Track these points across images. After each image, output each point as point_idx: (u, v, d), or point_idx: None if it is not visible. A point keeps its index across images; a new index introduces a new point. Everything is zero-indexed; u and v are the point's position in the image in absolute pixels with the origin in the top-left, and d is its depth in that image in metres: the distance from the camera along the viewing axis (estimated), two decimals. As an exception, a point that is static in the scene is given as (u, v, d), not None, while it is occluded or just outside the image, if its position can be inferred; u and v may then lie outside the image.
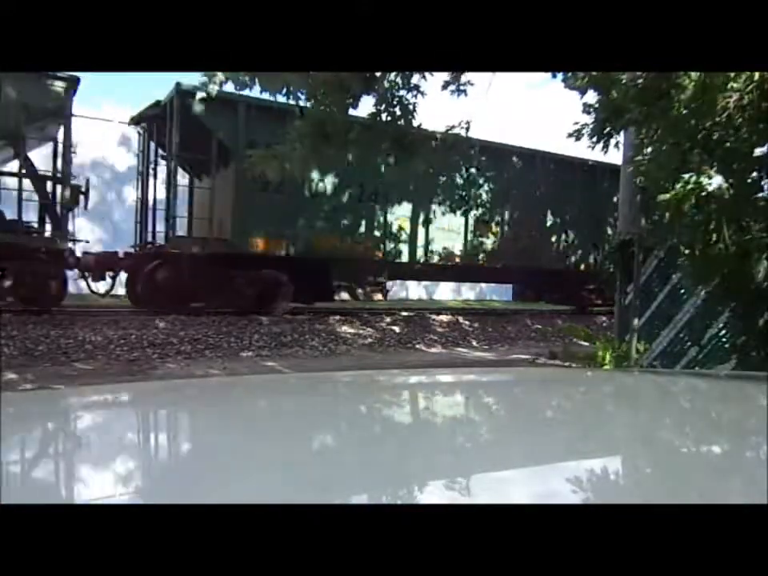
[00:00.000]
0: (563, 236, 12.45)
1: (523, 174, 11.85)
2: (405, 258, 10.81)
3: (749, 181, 3.87)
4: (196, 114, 8.89)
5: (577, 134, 4.56)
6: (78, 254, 9.23)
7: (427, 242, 10.98)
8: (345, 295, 10.62)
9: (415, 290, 20.25)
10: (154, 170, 10.45)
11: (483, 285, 18.70)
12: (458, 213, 11.18)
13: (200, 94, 8.44)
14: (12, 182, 8.55)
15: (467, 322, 10.54)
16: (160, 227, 10.02)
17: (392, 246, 10.65)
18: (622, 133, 4.89)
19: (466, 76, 5.24)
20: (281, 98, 5.48)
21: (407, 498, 0.56)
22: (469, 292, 19.95)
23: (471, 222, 11.37)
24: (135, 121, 10.46)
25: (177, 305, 8.86)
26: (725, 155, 3.73)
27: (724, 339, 4.83)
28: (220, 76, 4.64)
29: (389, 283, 11.86)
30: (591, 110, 4.56)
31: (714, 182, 3.82)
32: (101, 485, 0.58)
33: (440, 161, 9.61)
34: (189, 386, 1.49)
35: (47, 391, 2.71)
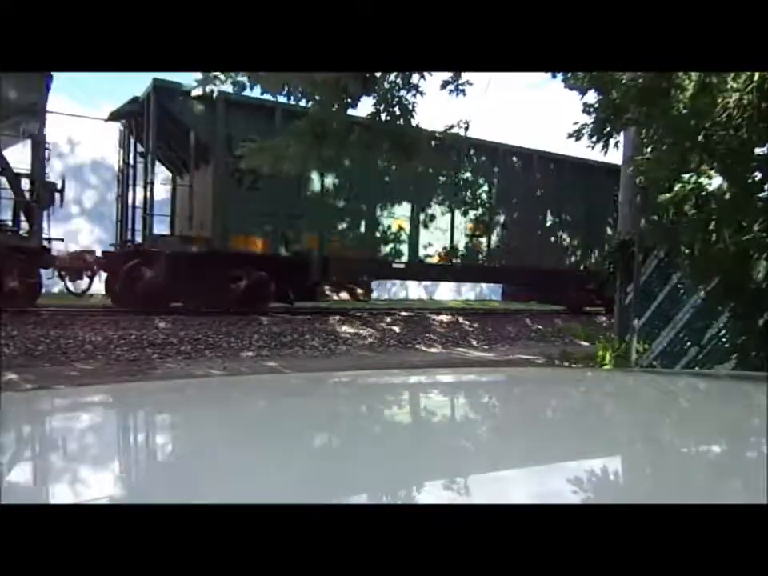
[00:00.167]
0: (555, 236, 12.36)
1: (514, 173, 11.74)
2: (390, 257, 10.67)
3: (749, 181, 3.87)
4: (172, 110, 8.79)
5: (577, 134, 4.56)
6: (55, 253, 9.05)
7: (414, 241, 10.84)
8: (328, 295, 10.49)
9: (415, 290, 20.26)
10: (134, 167, 10.23)
11: (481, 285, 18.67)
12: (446, 212, 11.06)
13: (176, 90, 8.38)
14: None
15: (467, 322, 10.54)
16: (140, 226, 9.81)
17: (377, 245, 10.50)
18: (621, 133, 4.89)
19: (465, 76, 5.23)
20: (279, 98, 5.45)
21: (407, 497, 0.56)
22: (469, 292, 19.95)
23: (459, 221, 11.23)
24: (114, 117, 10.27)
25: (155, 304, 8.73)
26: (725, 155, 3.73)
27: (724, 339, 4.84)
28: (220, 77, 4.62)
29: (373, 282, 11.77)
30: (591, 109, 4.56)
31: (714, 182, 3.83)
32: (101, 485, 0.58)
33: (438, 161, 9.61)
34: (189, 385, 1.49)
35: (47, 391, 2.72)
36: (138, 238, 9.79)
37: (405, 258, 10.83)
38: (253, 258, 9.32)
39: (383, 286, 20.33)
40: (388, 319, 10.18)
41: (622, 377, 1.64)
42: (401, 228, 10.75)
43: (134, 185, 9.99)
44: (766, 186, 4.01)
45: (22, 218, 8.56)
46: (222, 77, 4.63)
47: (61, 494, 0.57)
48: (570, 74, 4.63)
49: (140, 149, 9.90)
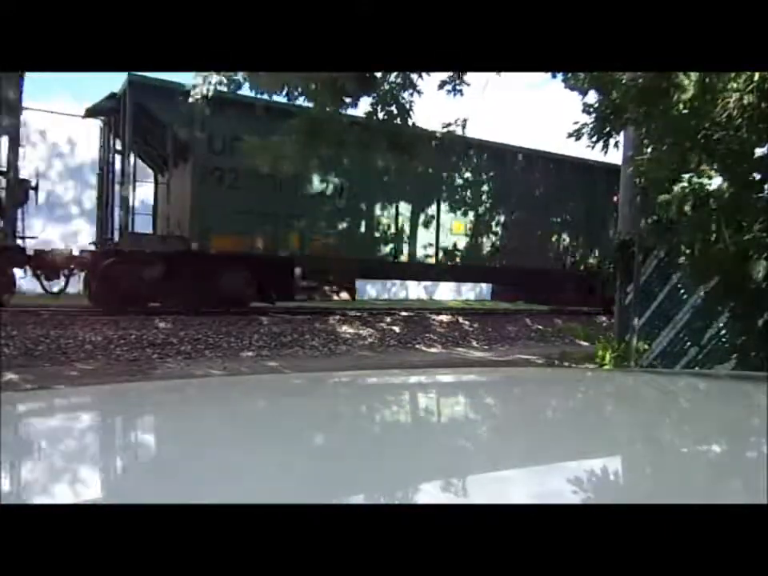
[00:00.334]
0: (547, 236, 12.21)
1: (505, 172, 11.58)
2: (374, 256, 10.48)
3: (749, 181, 3.87)
4: (149, 107, 8.64)
5: (577, 134, 4.56)
6: (30, 252, 8.90)
7: (400, 240, 10.67)
8: (310, 294, 10.36)
9: (415, 289, 20.26)
10: (113, 165, 10.05)
11: (481, 285, 18.56)
12: (433, 211, 10.90)
13: (153, 85, 8.26)
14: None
15: (467, 322, 10.53)
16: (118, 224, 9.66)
17: (362, 244, 10.31)
18: (621, 133, 4.89)
19: (463, 76, 5.23)
20: (273, 97, 5.40)
21: (407, 497, 0.56)
22: (469, 292, 19.96)
23: (447, 219, 11.09)
24: (90, 114, 10.10)
25: (133, 304, 8.61)
26: (725, 155, 3.73)
27: (724, 339, 4.84)
28: (216, 77, 4.61)
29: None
30: (591, 109, 4.56)
31: (714, 182, 3.83)
32: (101, 485, 0.58)
33: (430, 159, 9.49)
34: (189, 385, 1.49)
35: (47, 391, 2.72)
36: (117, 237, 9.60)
37: (390, 257, 10.66)
38: (232, 257, 9.15)
39: (384, 286, 20.34)
40: (388, 319, 10.17)
41: (622, 377, 1.64)
42: (386, 227, 10.59)
43: (113, 183, 9.82)
44: (765, 186, 4.01)
45: None
46: (216, 77, 4.62)
47: (61, 494, 0.57)
48: (570, 74, 4.64)
49: (119, 146, 9.70)
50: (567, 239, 12.51)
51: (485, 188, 11.53)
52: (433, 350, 8.65)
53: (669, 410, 1.06)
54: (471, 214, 11.40)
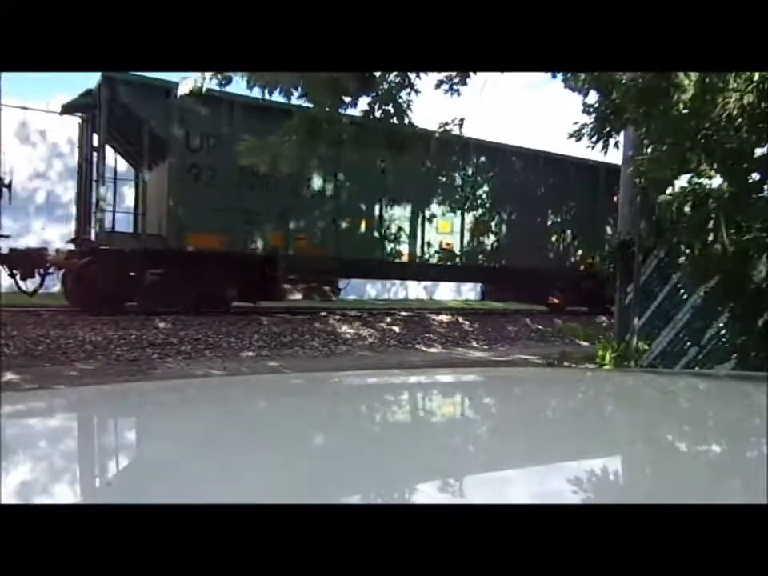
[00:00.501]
0: (539, 235, 11.91)
1: (493, 169, 11.37)
2: (360, 255, 10.13)
3: (749, 181, 3.87)
4: (125, 102, 8.42)
5: (577, 134, 4.56)
6: (5, 250, 8.69)
7: (383, 239, 10.39)
8: (293, 294, 10.12)
9: (415, 289, 20.27)
10: (90, 162, 9.62)
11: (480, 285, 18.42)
12: (419, 210, 10.63)
13: (129, 81, 8.04)
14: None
15: (467, 322, 10.53)
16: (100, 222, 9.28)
17: (346, 243, 9.97)
18: (621, 133, 4.89)
19: (461, 76, 5.22)
20: (269, 96, 5.33)
21: (408, 497, 0.56)
22: (469, 292, 19.95)
23: (433, 218, 10.83)
24: (67, 110, 9.82)
25: (108, 304, 8.42)
26: (725, 155, 3.73)
27: (724, 339, 4.84)
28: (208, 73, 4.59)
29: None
30: (591, 109, 4.56)
31: (714, 182, 3.83)
32: (101, 485, 0.58)
33: (423, 158, 9.38)
34: (189, 385, 1.49)
35: (47, 391, 2.72)
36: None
37: (375, 256, 10.37)
38: (211, 256, 8.90)
39: (384, 286, 20.34)
40: (388, 319, 10.17)
41: (622, 377, 1.64)
42: (372, 225, 10.32)
43: (91, 180, 9.47)
44: (765, 186, 4.01)
45: None
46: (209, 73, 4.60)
47: (61, 494, 0.57)
48: (570, 74, 4.63)
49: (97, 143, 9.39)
50: (560, 238, 12.28)
51: (474, 186, 11.28)
52: (433, 350, 8.65)
53: (669, 410, 1.06)
54: (459, 213, 11.13)
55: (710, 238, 3.98)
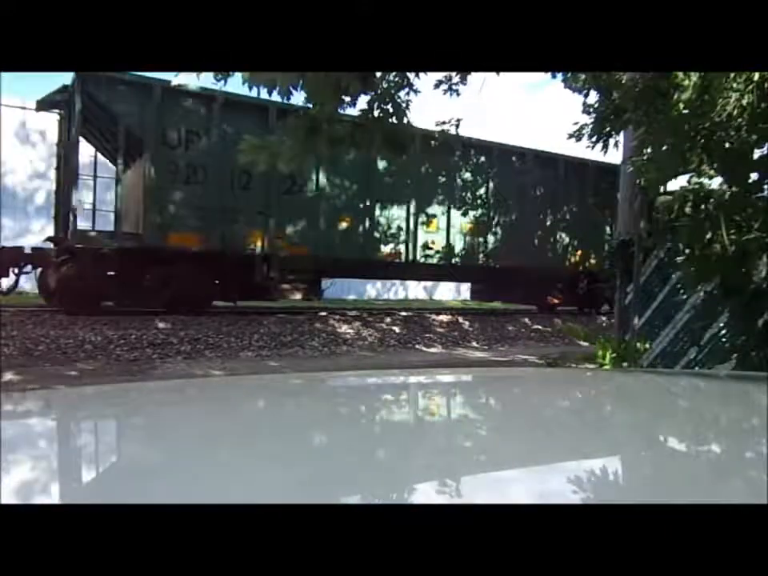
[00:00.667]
0: (522, 234, 11.68)
1: (477, 167, 11.17)
2: (340, 254, 9.90)
3: (749, 181, 3.87)
4: (100, 98, 8.27)
5: (577, 134, 4.56)
6: None
7: (366, 238, 10.15)
8: (274, 293, 9.87)
9: (414, 289, 20.27)
10: (67, 159, 9.40)
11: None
12: (403, 208, 10.41)
13: (104, 76, 7.80)
14: None
15: (467, 322, 10.54)
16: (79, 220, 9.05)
17: (326, 241, 9.76)
18: (621, 133, 4.89)
19: (464, 76, 5.22)
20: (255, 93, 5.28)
21: (408, 497, 0.56)
22: (467, 292, 19.95)
23: (418, 216, 10.61)
24: (42, 106, 9.63)
25: (84, 303, 8.25)
26: (725, 155, 3.73)
27: (724, 339, 4.83)
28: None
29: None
30: (591, 110, 4.56)
31: (714, 182, 3.83)
32: (101, 484, 0.58)
33: (429, 159, 9.26)
34: (189, 385, 1.49)
35: (47, 391, 2.72)
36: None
37: (359, 255, 10.11)
38: (189, 255, 8.72)
39: (384, 285, 20.34)
40: (388, 319, 10.17)
41: (622, 377, 1.64)
42: (356, 224, 10.10)
43: (77, 177, 9.17)
44: (765, 186, 4.01)
45: None
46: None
47: (61, 494, 0.57)
48: (569, 74, 4.63)
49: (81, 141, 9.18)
50: (549, 238, 12.08)
51: (461, 184, 11.05)
52: (433, 350, 8.66)
53: (669, 410, 1.06)
54: (445, 211, 10.91)
55: (710, 238, 3.98)
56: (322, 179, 9.65)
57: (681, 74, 3.53)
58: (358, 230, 10.14)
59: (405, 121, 4.95)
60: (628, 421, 0.95)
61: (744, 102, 3.34)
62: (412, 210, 10.55)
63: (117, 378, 5.52)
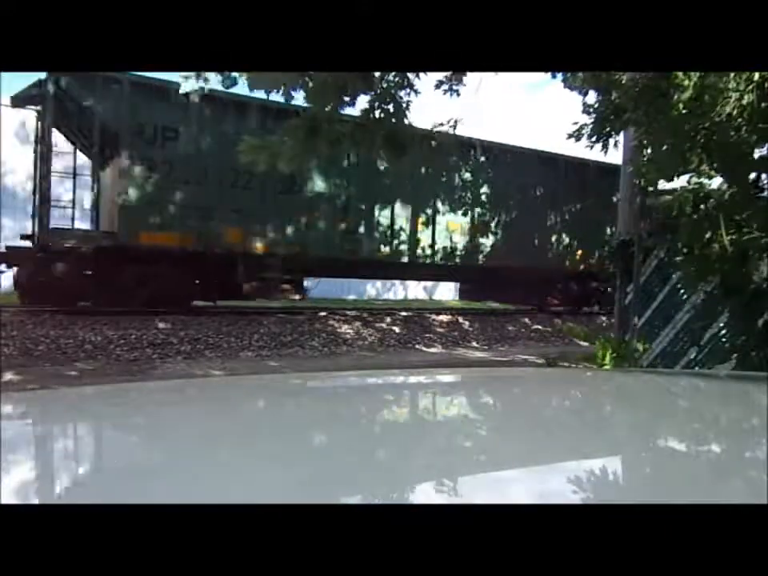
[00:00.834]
0: (512, 233, 11.53)
1: (465, 165, 10.96)
2: (323, 253, 9.70)
3: (749, 181, 3.87)
4: (73, 94, 8.12)
5: (577, 134, 4.56)
6: None
7: (350, 236, 9.95)
8: (256, 293, 9.69)
9: (414, 289, 20.27)
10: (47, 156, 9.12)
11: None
12: (387, 206, 10.20)
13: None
14: None
15: (467, 322, 10.54)
16: (58, 218, 8.89)
17: (308, 240, 9.58)
18: (621, 133, 4.89)
19: (459, 76, 5.22)
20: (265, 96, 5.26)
21: (408, 497, 0.56)
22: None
23: (403, 215, 10.41)
24: (17, 103, 9.29)
25: (58, 303, 8.18)
26: (725, 155, 3.73)
27: (724, 339, 4.84)
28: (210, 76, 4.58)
29: (308, 282, 10.58)
30: (591, 110, 4.56)
31: (714, 182, 3.83)
32: (101, 485, 0.58)
33: (429, 158, 9.10)
34: (189, 385, 1.49)
35: (47, 391, 2.71)
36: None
37: (341, 255, 9.88)
38: (167, 254, 8.54)
39: (384, 285, 20.33)
40: (388, 319, 10.17)
41: (622, 377, 1.64)
42: (339, 221, 9.88)
43: (50, 175, 8.99)
44: (765, 186, 4.01)
45: None
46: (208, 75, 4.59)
47: (61, 494, 0.57)
48: (569, 74, 4.63)
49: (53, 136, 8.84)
50: (539, 237, 11.92)
51: (447, 182, 10.83)
52: (433, 350, 8.66)
53: (669, 410, 1.06)
54: (431, 210, 10.72)
55: (710, 238, 3.99)
56: (304, 177, 9.36)
57: (681, 74, 3.53)
58: (341, 229, 9.92)
59: (405, 121, 4.95)
60: (628, 421, 0.95)
61: (744, 101, 3.34)
62: (398, 208, 10.35)
63: (117, 378, 5.52)
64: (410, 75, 4.80)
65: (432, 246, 10.75)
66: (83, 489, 0.57)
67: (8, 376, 5.39)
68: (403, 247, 10.54)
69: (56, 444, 0.78)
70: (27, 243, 9.22)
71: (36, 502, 0.52)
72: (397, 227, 10.41)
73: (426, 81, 5.24)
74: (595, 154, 4.75)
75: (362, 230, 10.14)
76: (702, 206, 4.05)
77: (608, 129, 4.43)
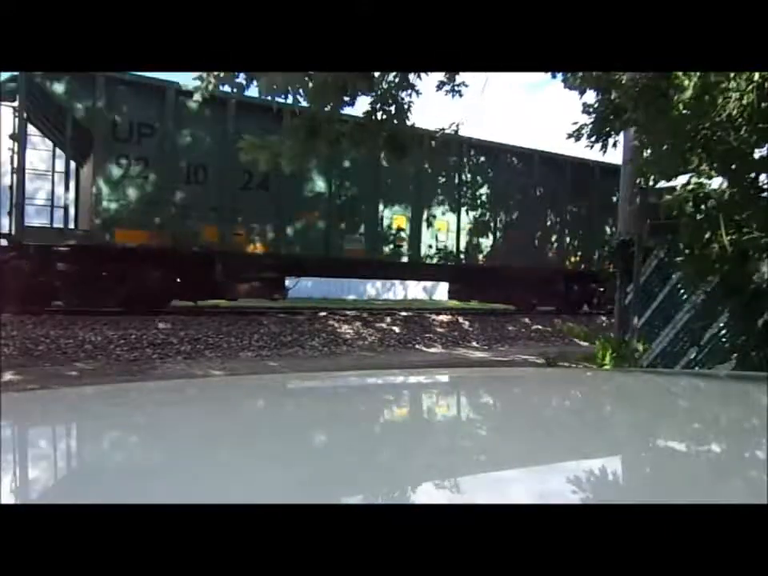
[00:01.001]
0: (500, 232, 11.41)
1: (450, 163, 10.74)
2: (304, 252, 9.53)
3: (749, 181, 3.87)
4: (47, 89, 7.96)
5: (576, 134, 4.56)
6: None
7: (331, 234, 9.74)
8: (234, 292, 9.50)
9: (413, 289, 20.28)
10: (23, 153, 8.88)
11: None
12: (370, 204, 10.00)
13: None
14: None
15: (467, 322, 10.54)
16: (28, 215, 8.61)
17: (288, 238, 9.39)
18: (621, 132, 4.89)
19: (461, 77, 5.22)
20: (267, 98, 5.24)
21: (408, 497, 0.56)
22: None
23: (386, 213, 10.20)
24: None
25: (32, 302, 8.04)
26: (725, 155, 3.73)
27: (724, 339, 4.84)
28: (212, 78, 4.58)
29: (289, 281, 10.27)
30: (591, 110, 4.56)
31: (714, 182, 3.83)
32: (101, 485, 0.58)
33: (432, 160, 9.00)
34: (189, 385, 1.49)
35: (47, 391, 2.71)
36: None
37: (322, 254, 9.69)
38: (143, 252, 8.39)
39: (384, 285, 20.33)
40: (388, 319, 10.17)
41: (622, 377, 1.64)
42: (317, 220, 9.64)
43: (23, 171, 8.80)
44: (766, 186, 4.01)
45: None
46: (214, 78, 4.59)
47: (61, 494, 0.57)
48: (569, 74, 4.63)
49: (34, 132, 8.75)
50: (527, 237, 11.75)
51: (432, 180, 10.60)
52: (433, 350, 8.66)
53: (669, 410, 1.06)
54: (414, 208, 10.48)
55: (710, 238, 3.99)
56: (283, 174, 9.11)
57: (681, 74, 3.53)
58: (321, 228, 9.72)
59: (407, 122, 4.95)
60: (628, 421, 0.95)
61: (744, 101, 3.34)
62: (381, 207, 10.17)
63: (117, 378, 5.52)
64: (411, 76, 4.80)
65: (414, 244, 10.55)
66: (83, 489, 0.57)
67: (8, 376, 5.39)
68: (385, 246, 10.31)
69: (56, 444, 0.78)
70: (2, 242, 8.96)
71: (36, 502, 0.52)
72: (378, 226, 10.20)
73: (427, 81, 5.25)
74: (594, 154, 4.76)
75: (343, 229, 9.90)
76: (702, 206, 4.05)
77: (608, 129, 4.43)
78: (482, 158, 11.23)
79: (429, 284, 19.39)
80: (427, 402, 1.17)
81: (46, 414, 0.91)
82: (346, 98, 4.65)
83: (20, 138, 8.26)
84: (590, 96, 4.75)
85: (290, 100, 4.76)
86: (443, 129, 5.60)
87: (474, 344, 9.23)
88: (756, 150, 3.82)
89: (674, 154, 3.85)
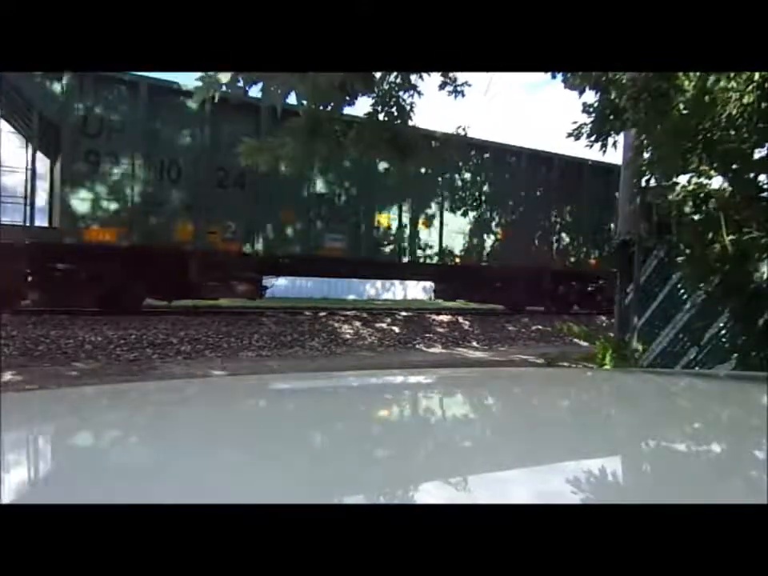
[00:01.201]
0: (488, 231, 11.28)
1: (437, 161, 10.26)
2: (281, 250, 9.39)
3: (749, 181, 3.87)
4: (14, 84, 7.80)
5: (576, 134, 4.56)
6: None
7: (310, 233, 9.54)
8: (210, 292, 9.32)
9: (413, 289, 20.28)
10: None
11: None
12: (353, 202, 9.80)
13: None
14: None
15: (467, 322, 10.54)
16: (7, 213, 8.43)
17: (264, 237, 9.22)
18: (621, 133, 4.89)
19: (463, 77, 5.23)
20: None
21: (407, 497, 0.56)
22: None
23: (368, 211, 10.03)
24: None
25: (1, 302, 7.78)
26: (725, 155, 3.73)
27: (724, 339, 4.84)
28: (221, 78, 4.56)
29: (267, 280, 10.11)
30: (591, 110, 4.56)
31: (714, 182, 3.83)
32: (101, 485, 0.58)
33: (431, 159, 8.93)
34: (189, 385, 1.49)
35: (47, 391, 2.71)
36: None
37: (301, 252, 9.52)
38: (114, 251, 8.23)
39: (383, 286, 20.32)
40: (388, 319, 10.18)
41: (622, 377, 1.64)
42: (295, 218, 9.45)
43: None
44: (766, 186, 4.01)
45: None
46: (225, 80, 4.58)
47: (61, 494, 0.57)
48: (569, 74, 4.63)
49: (7, 128, 8.59)
50: (514, 236, 11.57)
51: (416, 178, 10.25)
52: (433, 350, 8.66)
53: (669, 410, 1.06)
54: (397, 207, 10.33)
55: (711, 238, 3.99)
56: (258, 171, 8.86)
57: (681, 75, 3.53)
58: (300, 226, 9.52)
59: (409, 123, 4.95)
60: (628, 421, 0.95)
61: (744, 101, 3.35)
62: (362, 204, 10.00)
63: (117, 378, 5.52)
64: (413, 77, 4.80)
65: (397, 243, 10.39)
66: (83, 489, 0.57)
67: (8, 376, 5.39)
68: (365, 245, 10.12)
69: (56, 444, 0.77)
70: None
71: (36, 501, 0.52)
72: (363, 225, 10.06)
73: (429, 81, 5.25)
74: (594, 153, 4.76)
75: (323, 227, 9.71)
76: (702, 206, 4.06)
77: (608, 128, 4.44)
78: (468, 156, 10.99)
79: (429, 284, 19.38)
80: (427, 401, 1.17)
81: (46, 414, 0.91)
82: (346, 98, 4.65)
83: None
84: (590, 96, 4.76)
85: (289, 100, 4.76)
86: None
87: (474, 344, 9.23)
88: (756, 150, 3.82)
89: (674, 154, 3.85)
